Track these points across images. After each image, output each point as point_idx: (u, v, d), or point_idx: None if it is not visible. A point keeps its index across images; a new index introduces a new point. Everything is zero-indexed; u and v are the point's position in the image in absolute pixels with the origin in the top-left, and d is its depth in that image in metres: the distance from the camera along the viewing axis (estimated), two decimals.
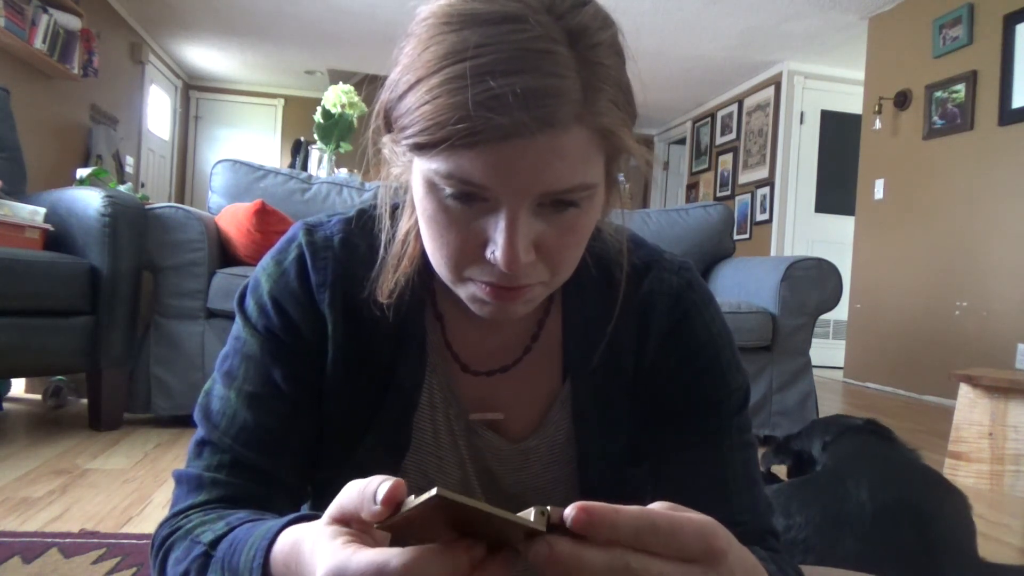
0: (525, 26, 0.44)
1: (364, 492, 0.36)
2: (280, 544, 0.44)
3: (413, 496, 0.33)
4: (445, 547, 0.34)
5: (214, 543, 0.50)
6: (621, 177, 0.55)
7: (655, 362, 0.63)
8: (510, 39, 0.44)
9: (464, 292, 0.53)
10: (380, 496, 0.34)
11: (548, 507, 0.32)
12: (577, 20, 0.46)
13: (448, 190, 0.47)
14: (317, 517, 0.42)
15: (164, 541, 0.55)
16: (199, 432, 0.60)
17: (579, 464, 0.64)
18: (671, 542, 0.34)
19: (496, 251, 0.47)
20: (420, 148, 0.46)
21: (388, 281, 0.59)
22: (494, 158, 0.45)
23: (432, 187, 0.49)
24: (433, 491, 0.31)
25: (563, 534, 0.33)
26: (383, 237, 0.60)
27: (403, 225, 0.60)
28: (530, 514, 0.32)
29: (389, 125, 0.51)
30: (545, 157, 0.45)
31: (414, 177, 0.51)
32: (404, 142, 0.48)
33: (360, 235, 0.62)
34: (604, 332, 0.62)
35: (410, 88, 0.47)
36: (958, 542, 1.12)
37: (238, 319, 0.62)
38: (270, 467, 0.58)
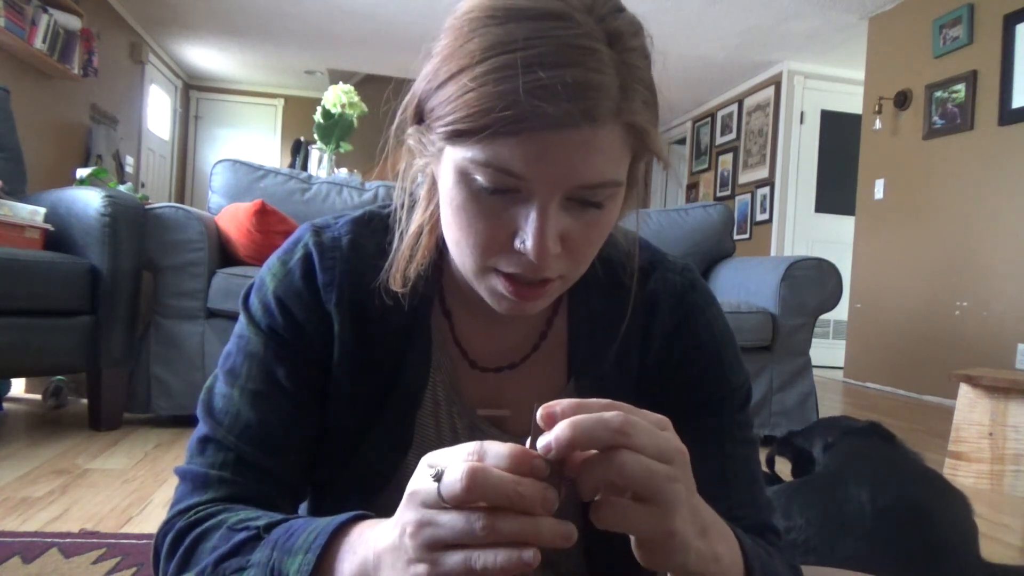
0: (570, 23, 0.46)
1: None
2: (347, 529, 0.46)
3: None
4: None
5: (268, 527, 0.50)
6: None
7: (658, 360, 0.64)
8: (556, 34, 0.45)
9: (485, 285, 0.54)
10: None
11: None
12: (616, 24, 0.48)
13: (481, 179, 0.48)
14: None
15: (182, 534, 0.54)
16: (201, 428, 0.60)
17: None
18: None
19: (527, 240, 0.48)
20: (459, 135, 0.47)
21: (400, 271, 0.60)
22: (536, 147, 0.46)
23: (464, 176, 0.49)
24: None
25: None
26: (398, 229, 0.61)
27: (416, 218, 0.61)
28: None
29: (419, 116, 0.52)
30: (583, 150, 0.46)
31: (443, 167, 0.51)
32: (439, 130, 0.49)
33: (369, 236, 0.62)
34: (609, 332, 0.63)
35: (451, 77, 0.48)
36: (959, 544, 1.12)
37: (242, 317, 0.63)
38: (273, 465, 0.59)
